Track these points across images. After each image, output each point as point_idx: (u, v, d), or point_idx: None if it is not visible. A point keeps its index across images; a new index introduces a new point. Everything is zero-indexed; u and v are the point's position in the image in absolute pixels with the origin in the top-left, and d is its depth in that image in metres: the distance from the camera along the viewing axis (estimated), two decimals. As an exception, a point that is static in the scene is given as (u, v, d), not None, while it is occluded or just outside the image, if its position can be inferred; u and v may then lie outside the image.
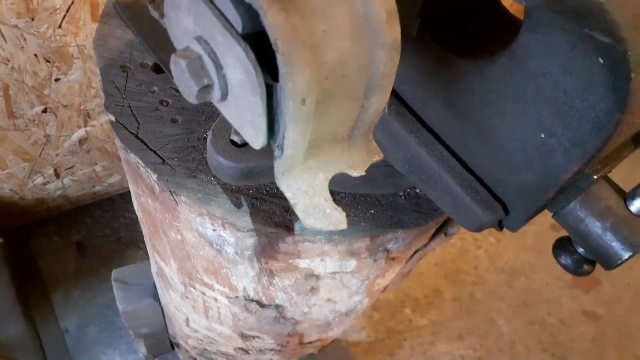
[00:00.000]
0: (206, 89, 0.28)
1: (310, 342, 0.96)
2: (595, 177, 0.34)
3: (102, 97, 0.56)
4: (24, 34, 1.02)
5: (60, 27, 1.05)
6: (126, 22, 0.60)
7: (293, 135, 0.27)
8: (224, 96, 0.29)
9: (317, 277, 0.62)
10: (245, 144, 0.48)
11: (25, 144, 1.27)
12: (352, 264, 0.60)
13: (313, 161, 0.31)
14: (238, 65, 0.26)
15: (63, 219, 1.57)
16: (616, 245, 0.36)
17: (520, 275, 1.74)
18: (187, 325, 0.96)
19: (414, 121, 0.43)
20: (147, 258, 1.00)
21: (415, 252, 0.66)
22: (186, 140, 0.54)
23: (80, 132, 1.33)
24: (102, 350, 1.40)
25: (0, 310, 1.32)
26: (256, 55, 0.26)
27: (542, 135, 0.34)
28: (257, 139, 0.29)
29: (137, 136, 0.54)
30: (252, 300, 0.71)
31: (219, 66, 0.28)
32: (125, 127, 0.54)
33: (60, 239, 1.56)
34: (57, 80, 1.16)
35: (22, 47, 1.04)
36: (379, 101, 0.29)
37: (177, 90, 0.60)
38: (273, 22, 0.23)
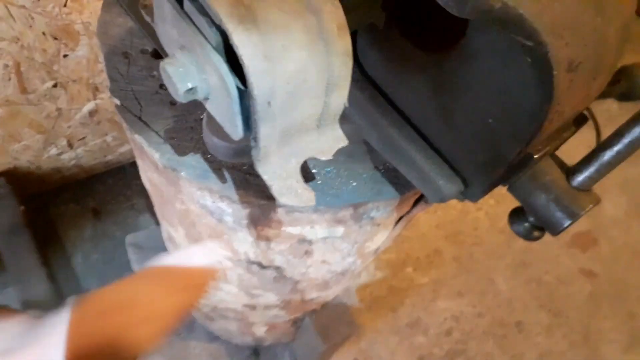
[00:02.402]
0: (190, 90, 0.33)
1: (312, 300, 1.04)
2: (536, 156, 0.39)
3: (108, 82, 0.61)
4: (32, 14, 1.06)
5: (65, 5, 1.09)
6: (126, 10, 0.64)
7: (263, 130, 0.32)
8: (207, 96, 0.34)
9: (310, 241, 0.68)
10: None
11: (38, 118, 1.33)
12: (340, 230, 0.65)
13: (286, 148, 0.36)
14: (214, 73, 0.31)
15: (78, 187, 1.65)
16: (559, 215, 0.42)
17: (519, 236, 1.79)
18: (197, 285, 1.04)
19: (385, 104, 0.48)
20: (159, 224, 1.07)
21: (401, 217, 0.72)
22: (184, 122, 0.60)
23: (90, 105, 1.38)
24: (121, 308, 1.50)
25: (26, 272, 1.41)
26: (231, 62, 0.31)
27: (490, 121, 0.39)
28: (235, 132, 0.34)
29: (140, 118, 0.59)
30: (253, 263, 0.78)
31: (200, 71, 0.33)
32: (130, 111, 0.60)
33: (77, 205, 1.64)
34: (65, 56, 1.20)
35: (31, 26, 1.09)
36: (339, 97, 0.34)
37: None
38: (237, 41, 0.28)
